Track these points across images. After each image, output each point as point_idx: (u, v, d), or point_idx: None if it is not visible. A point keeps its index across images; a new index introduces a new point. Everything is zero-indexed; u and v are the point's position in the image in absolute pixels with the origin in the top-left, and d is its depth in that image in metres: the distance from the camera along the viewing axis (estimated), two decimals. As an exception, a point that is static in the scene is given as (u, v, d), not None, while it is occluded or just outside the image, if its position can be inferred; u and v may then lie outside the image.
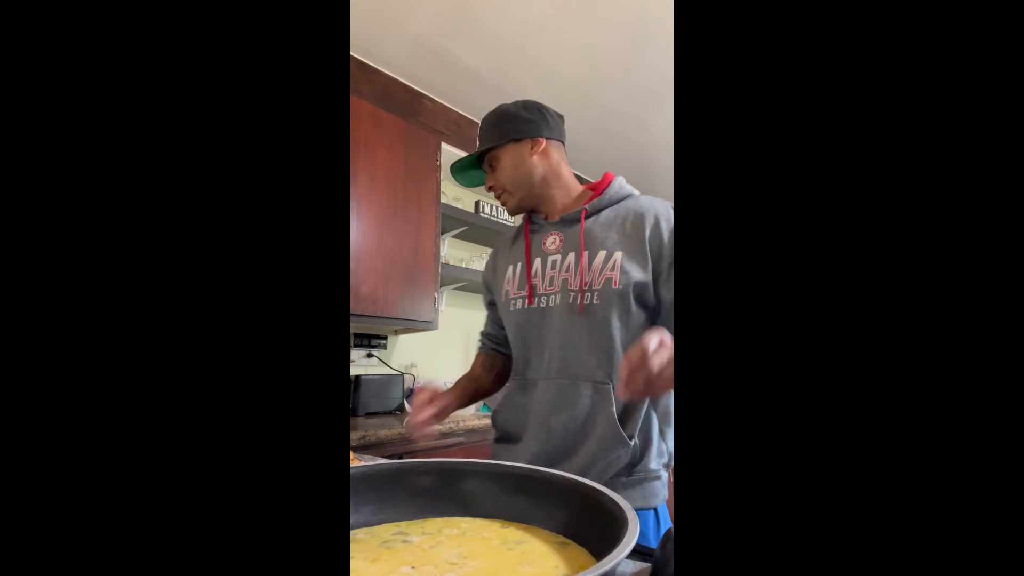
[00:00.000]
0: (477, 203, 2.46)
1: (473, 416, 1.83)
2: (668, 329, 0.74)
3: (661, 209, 0.80)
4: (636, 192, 0.86)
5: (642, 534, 0.75)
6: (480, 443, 1.78)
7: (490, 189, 0.90)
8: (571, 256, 0.81)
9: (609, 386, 0.76)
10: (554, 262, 0.83)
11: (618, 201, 0.84)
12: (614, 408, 0.75)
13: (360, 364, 2.11)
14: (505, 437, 0.87)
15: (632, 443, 0.75)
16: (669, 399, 0.80)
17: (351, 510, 0.46)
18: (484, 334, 1.03)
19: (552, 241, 0.85)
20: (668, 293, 0.76)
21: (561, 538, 0.43)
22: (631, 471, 0.77)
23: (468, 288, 2.47)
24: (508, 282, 0.90)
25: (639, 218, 0.79)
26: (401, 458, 0.78)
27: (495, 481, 0.50)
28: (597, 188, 0.87)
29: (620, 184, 0.86)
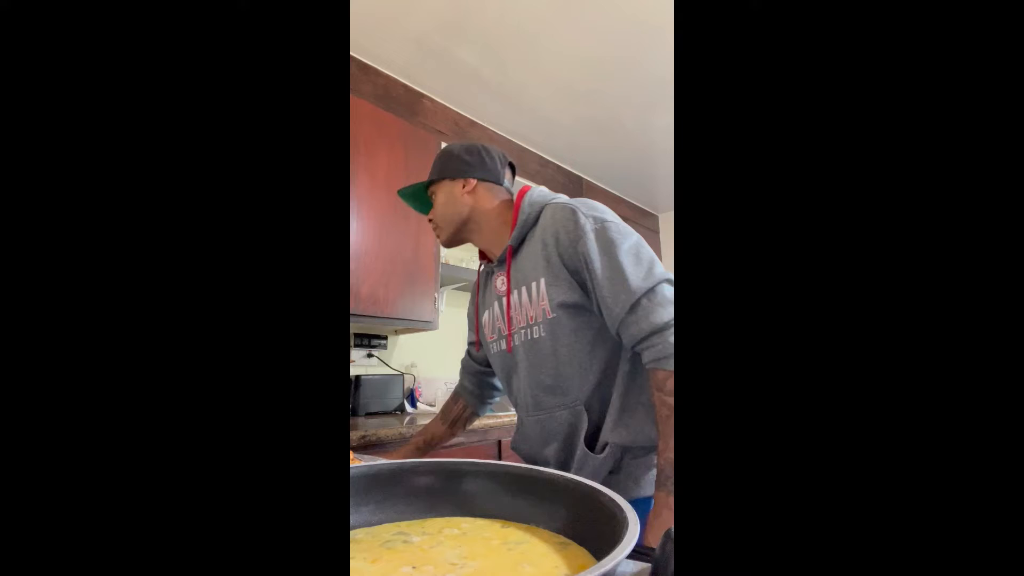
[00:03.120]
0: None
1: (473, 416, 1.83)
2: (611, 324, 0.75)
3: (559, 219, 0.79)
4: (546, 199, 0.86)
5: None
6: (480, 443, 1.78)
7: (430, 221, 0.94)
8: (515, 295, 0.86)
9: (581, 407, 0.79)
10: (509, 303, 0.87)
11: (534, 222, 0.84)
12: (585, 426, 0.79)
13: (360, 364, 2.11)
14: (529, 461, 0.93)
15: (606, 450, 0.78)
16: (621, 399, 0.79)
17: (351, 510, 0.46)
18: (461, 365, 1.12)
19: (501, 282, 0.89)
20: (609, 306, 0.74)
21: (561, 538, 0.43)
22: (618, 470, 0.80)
23: (468, 288, 2.47)
24: (486, 326, 0.95)
25: (549, 238, 0.80)
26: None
27: (495, 481, 0.50)
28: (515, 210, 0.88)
29: (529, 202, 0.85)
